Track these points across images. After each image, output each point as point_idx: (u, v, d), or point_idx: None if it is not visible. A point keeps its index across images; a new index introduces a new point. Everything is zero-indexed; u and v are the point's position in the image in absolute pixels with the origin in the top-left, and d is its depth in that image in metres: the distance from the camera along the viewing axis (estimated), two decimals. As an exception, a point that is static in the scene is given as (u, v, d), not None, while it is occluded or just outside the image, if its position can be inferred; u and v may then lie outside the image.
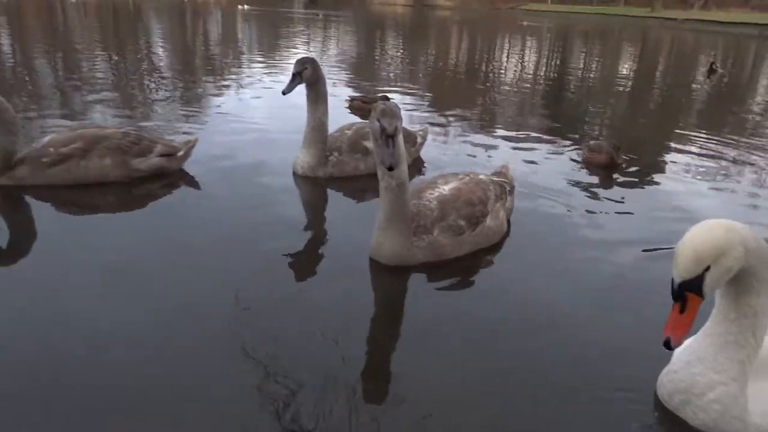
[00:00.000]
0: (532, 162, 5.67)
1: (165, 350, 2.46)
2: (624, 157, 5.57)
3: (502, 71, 14.40)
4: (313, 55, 14.25)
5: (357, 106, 7.48)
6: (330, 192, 4.55)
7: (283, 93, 4.50)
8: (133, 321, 2.64)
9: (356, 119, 6.30)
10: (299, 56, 4.60)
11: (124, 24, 22.22)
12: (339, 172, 4.71)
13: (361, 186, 4.62)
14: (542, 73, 14.35)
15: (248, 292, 2.90)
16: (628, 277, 3.42)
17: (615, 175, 5.32)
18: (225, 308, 2.75)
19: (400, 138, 3.05)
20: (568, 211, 4.41)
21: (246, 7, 33.13)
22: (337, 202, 4.43)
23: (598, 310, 3.04)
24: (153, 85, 8.96)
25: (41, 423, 2.04)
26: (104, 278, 3.01)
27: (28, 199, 4.04)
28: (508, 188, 4.00)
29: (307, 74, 4.45)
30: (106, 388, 2.21)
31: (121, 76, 9.60)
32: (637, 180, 5.30)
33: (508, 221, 3.94)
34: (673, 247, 1.97)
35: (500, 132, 7.04)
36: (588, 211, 4.43)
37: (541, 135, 6.95)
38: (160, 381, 2.27)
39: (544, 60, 18.06)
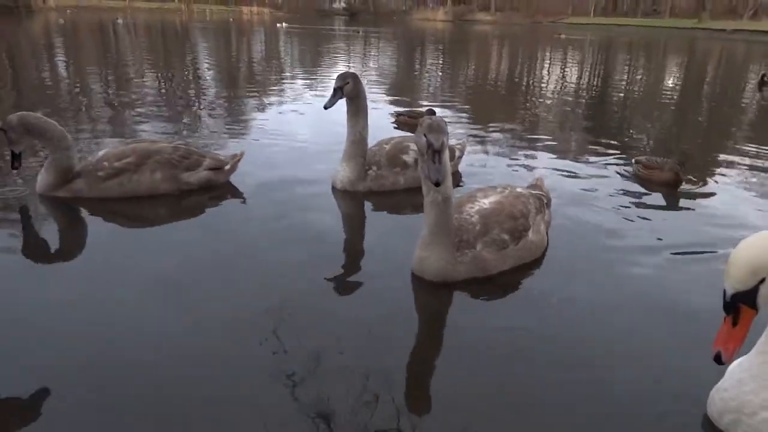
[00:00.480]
0: (574, 174, 5.58)
1: (206, 357, 2.51)
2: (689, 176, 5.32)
3: (543, 84, 14.27)
4: (353, 70, 14.47)
5: (403, 121, 7.51)
6: (369, 206, 4.56)
7: (325, 108, 4.53)
8: (177, 328, 2.72)
9: (396, 133, 6.35)
10: (340, 71, 4.65)
11: (171, 43, 23.00)
12: (378, 187, 4.73)
13: (400, 201, 4.64)
14: (584, 86, 14.15)
15: (289, 305, 2.93)
16: (675, 289, 3.33)
17: (659, 187, 5.18)
18: (266, 320, 2.79)
19: (446, 153, 3.04)
20: (611, 223, 4.31)
21: (285, 25, 33.79)
22: (376, 217, 4.44)
23: (644, 323, 2.98)
24: (199, 101, 9.24)
25: (87, 421, 2.11)
26: (153, 286, 3.11)
27: (84, 210, 4.20)
28: (545, 201, 3.98)
29: (348, 89, 4.49)
30: (145, 388, 2.29)
31: (169, 93, 9.94)
32: (685, 192, 5.15)
33: (547, 234, 3.89)
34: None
35: (540, 144, 6.96)
36: (633, 224, 4.33)
37: (583, 147, 6.86)
38: (199, 386, 2.32)
39: (587, 73, 17.79)
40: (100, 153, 4.54)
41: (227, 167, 4.74)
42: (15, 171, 4.36)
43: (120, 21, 33.90)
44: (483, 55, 24.24)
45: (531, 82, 15.01)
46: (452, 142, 5.57)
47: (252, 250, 3.62)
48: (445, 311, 3.12)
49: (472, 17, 74.20)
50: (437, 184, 2.93)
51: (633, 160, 5.67)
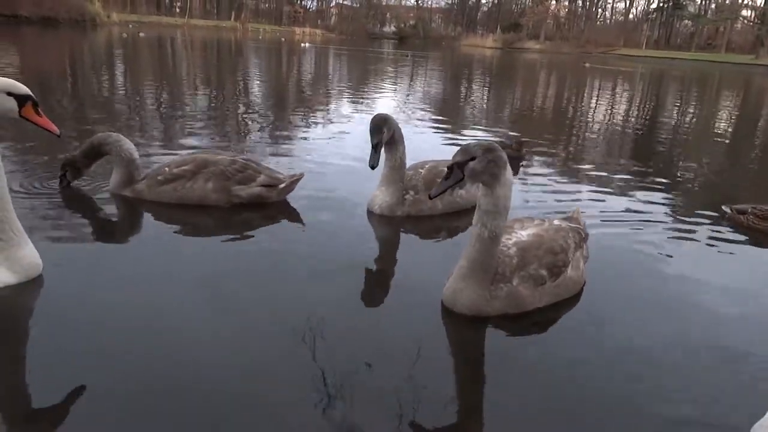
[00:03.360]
0: (615, 208, 5.40)
1: (240, 364, 2.56)
2: None
3: (590, 114, 14.03)
4: (399, 93, 14.59)
5: (512, 155, 7.18)
6: (406, 231, 4.50)
7: (372, 167, 4.29)
8: (214, 333, 2.80)
9: (430, 157, 6.27)
10: (378, 112, 4.52)
11: (225, 59, 23.71)
12: (416, 212, 4.67)
13: (437, 225, 4.59)
14: (632, 118, 13.85)
15: (322, 325, 2.90)
16: (724, 326, 3.24)
17: (717, 224, 4.97)
18: (298, 337, 2.78)
19: (501, 188, 2.94)
20: (657, 261, 4.14)
21: (307, 44, 34.02)
22: (412, 242, 4.38)
23: (686, 359, 2.91)
24: (248, 117, 9.44)
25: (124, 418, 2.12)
26: (193, 290, 3.20)
27: (142, 211, 4.45)
28: (583, 235, 3.78)
29: (386, 138, 4.34)
30: (181, 388, 2.35)
31: (220, 108, 10.18)
32: (740, 232, 4.92)
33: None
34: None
35: (583, 174, 6.81)
36: (682, 263, 4.14)
37: (628, 180, 6.66)
38: (230, 393, 2.35)
39: (636, 104, 17.45)
40: (169, 159, 4.81)
41: (281, 186, 4.73)
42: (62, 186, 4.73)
43: (142, 34, 35.02)
44: (530, 82, 24.11)
45: (577, 111, 14.79)
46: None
47: (290, 269, 3.61)
48: (478, 344, 3.03)
49: (521, 45, 74.07)
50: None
51: (726, 208, 5.19)
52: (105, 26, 45.71)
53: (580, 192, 6.00)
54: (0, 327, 2.86)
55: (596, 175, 6.86)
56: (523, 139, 7.57)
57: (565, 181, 6.50)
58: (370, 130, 4.28)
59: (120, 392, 2.33)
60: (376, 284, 3.64)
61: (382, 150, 4.38)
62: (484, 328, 3.08)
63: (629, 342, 3.03)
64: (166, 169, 4.62)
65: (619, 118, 13.67)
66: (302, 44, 34.01)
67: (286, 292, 3.31)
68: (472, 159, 2.88)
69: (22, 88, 2.96)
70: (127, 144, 4.61)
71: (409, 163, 4.75)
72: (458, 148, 3.00)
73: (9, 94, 2.91)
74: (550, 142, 8.90)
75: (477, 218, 3.02)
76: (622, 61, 50.29)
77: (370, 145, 4.28)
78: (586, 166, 7.39)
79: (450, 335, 3.08)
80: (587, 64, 39.16)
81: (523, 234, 3.41)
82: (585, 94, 20.14)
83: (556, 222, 3.65)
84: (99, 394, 2.31)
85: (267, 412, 2.29)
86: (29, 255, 3.12)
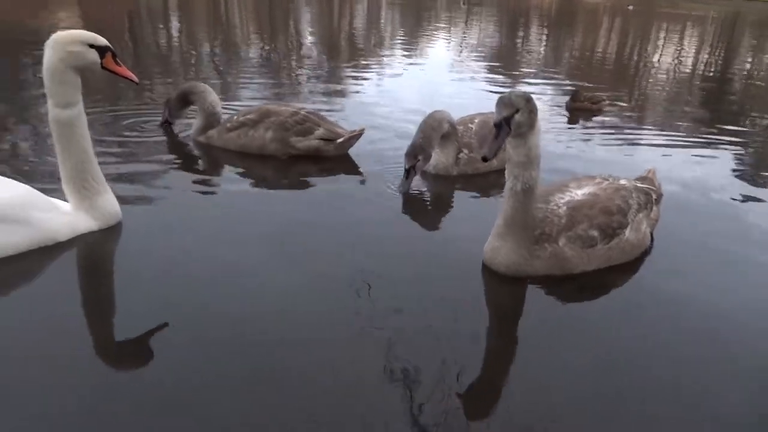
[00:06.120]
0: (685, 166, 5.23)
1: (295, 312, 2.70)
2: None
3: (655, 62, 13.35)
4: (453, 43, 14.25)
5: (584, 108, 7.05)
6: (459, 188, 4.49)
7: (402, 193, 4.18)
8: (275, 282, 2.95)
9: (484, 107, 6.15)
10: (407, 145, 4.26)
11: (277, 9, 23.62)
12: (472, 170, 4.63)
13: (491, 182, 4.54)
14: (701, 66, 13.12)
15: (372, 277, 3.00)
16: None
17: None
18: (348, 286, 2.91)
19: (534, 136, 2.87)
20: (730, 224, 3.97)
21: None
22: (464, 200, 4.36)
23: (754, 337, 2.75)
24: (302, 71, 9.49)
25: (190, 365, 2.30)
26: (256, 240, 3.36)
27: (213, 158, 4.81)
28: (654, 196, 3.56)
29: (421, 165, 4.24)
30: (234, 337, 2.44)
31: (273, 61, 10.26)
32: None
33: (651, 234, 3.57)
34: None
35: (648, 130, 6.59)
36: (753, 226, 3.97)
37: (696, 136, 6.40)
38: (288, 337, 2.46)
39: (705, 52, 16.46)
40: (243, 109, 5.19)
41: (339, 140, 4.78)
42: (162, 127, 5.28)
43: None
44: (591, 29, 23.00)
45: (642, 59, 14.10)
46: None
47: (341, 222, 3.70)
48: (518, 306, 3.00)
49: (582, -11, 70.12)
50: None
51: None
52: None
53: (647, 148, 5.81)
54: (84, 268, 3.14)
55: (664, 130, 6.63)
56: (599, 94, 7.34)
57: (631, 136, 6.28)
58: (405, 157, 4.16)
59: (185, 333, 2.50)
60: (425, 240, 3.68)
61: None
62: (524, 289, 3.03)
63: (689, 317, 2.85)
64: (235, 117, 4.90)
65: (687, 67, 12.97)
66: None
67: (337, 244, 3.39)
68: (517, 111, 2.79)
69: (102, 40, 3.09)
70: (212, 96, 4.92)
71: (456, 116, 4.68)
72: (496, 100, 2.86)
73: (91, 46, 3.05)
74: (613, 93, 8.58)
75: (508, 172, 2.95)
76: (694, 3, 47.08)
77: (413, 137, 4.24)
78: (653, 120, 7.16)
79: (488, 294, 3.07)
80: (630, 7, 37.02)
81: (578, 193, 3.28)
82: (650, 41, 19.10)
83: (622, 181, 3.45)
84: (166, 334, 2.49)
85: (320, 357, 2.40)
86: (110, 203, 3.34)
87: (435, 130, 4.28)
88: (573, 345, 2.60)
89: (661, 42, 19.14)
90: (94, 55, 3.06)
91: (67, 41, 3.00)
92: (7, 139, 4.84)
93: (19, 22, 13.43)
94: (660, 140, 6.11)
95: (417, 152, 4.16)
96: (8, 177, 3.21)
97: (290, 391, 2.21)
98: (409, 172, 4.18)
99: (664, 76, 11.50)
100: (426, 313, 2.75)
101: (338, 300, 2.80)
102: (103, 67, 3.11)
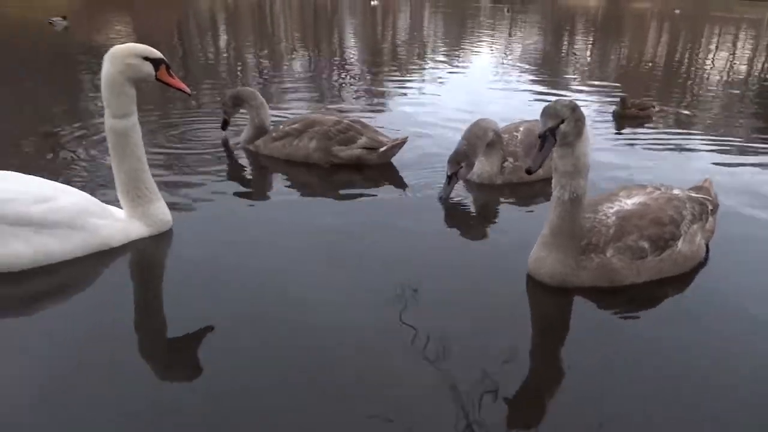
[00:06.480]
0: (742, 175, 5.02)
1: (343, 320, 2.69)
2: None
3: (706, 68, 12.94)
4: (497, 50, 14.16)
5: (632, 115, 6.90)
6: (503, 198, 4.43)
7: (442, 200, 4.19)
8: (318, 287, 2.99)
9: (527, 115, 6.05)
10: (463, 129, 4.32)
11: (322, 20, 23.98)
12: (517, 179, 4.56)
13: (535, 191, 4.47)
14: (756, 72, 12.62)
15: (416, 285, 3.00)
16: None
17: None
18: (393, 295, 2.91)
19: (582, 145, 2.81)
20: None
21: (375, 2, 32.79)
22: (509, 209, 4.29)
23: None
24: (343, 79, 9.59)
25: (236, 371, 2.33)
26: (306, 246, 3.42)
27: (260, 166, 4.96)
28: (710, 207, 3.43)
29: (464, 173, 4.23)
30: (291, 338, 2.47)
31: (317, 70, 10.41)
32: None
33: (707, 246, 3.43)
34: None
35: (701, 137, 6.36)
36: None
37: (752, 144, 6.15)
38: (335, 344, 2.47)
39: (762, 57, 15.84)
40: (289, 118, 5.40)
41: (381, 149, 4.80)
42: (224, 131, 5.48)
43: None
44: (638, 34, 22.48)
45: (692, 64, 13.67)
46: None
47: (384, 231, 3.70)
48: (564, 317, 2.93)
49: (629, -6, 68.63)
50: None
51: None
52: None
53: (700, 156, 5.61)
54: (135, 273, 3.24)
55: (718, 137, 6.38)
56: (648, 101, 7.18)
57: (683, 143, 6.07)
58: (448, 162, 4.15)
59: (233, 340, 2.54)
60: (470, 250, 3.64)
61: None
62: (570, 300, 2.97)
63: (746, 333, 2.69)
64: (282, 126, 5.02)
65: (740, 72, 12.50)
66: (372, 2, 33.21)
67: (381, 254, 3.39)
68: (562, 121, 2.74)
69: (157, 53, 3.21)
70: (264, 111, 5.09)
71: (501, 123, 4.64)
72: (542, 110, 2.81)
73: (146, 58, 3.16)
74: (662, 99, 8.35)
75: (555, 181, 2.90)
76: (748, 6, 45.43)
77: (459, 138, 4.24)
78: (706, 127, 6.91)
79: (533, 305, 3.00)
80: (677, 11, 35.98)
81: (628, 202, 3.19)
82: (701, 46, 18.52)
83: (675, 191, 3.34)
84: (213, 340, 2.54)
85: (367, 363, 2.41)
86: (161, 211, 3.45)
87: (480, 138, 4.25)
88: (621, 359, 2.53)
89: (712, 46, 18.53)
90: (149, 67, 3.17)
91: (124, 54, 3.12)
92: (66, 149, 5.05)
93: (78, 37, 14.06)
94: (714, 148, 5.89)
95: (460, 159, 4.13)
96: (68, 184, 3.35)
97: (343, 400, 2.22)
98: (451, 179, 4.17)
99: (717, 81, 11.11)
100: (470, 323, 2.72)
101: (383, 310, 2.79)
102: (157, 79, 3.22)
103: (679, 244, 3.13)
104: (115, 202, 3.45)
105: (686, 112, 7.95)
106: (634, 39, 20.95)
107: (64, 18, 15.35)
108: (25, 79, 8.44)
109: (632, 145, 6.00)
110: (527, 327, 2.84)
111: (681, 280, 3.17)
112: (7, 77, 8.61)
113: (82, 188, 3.44)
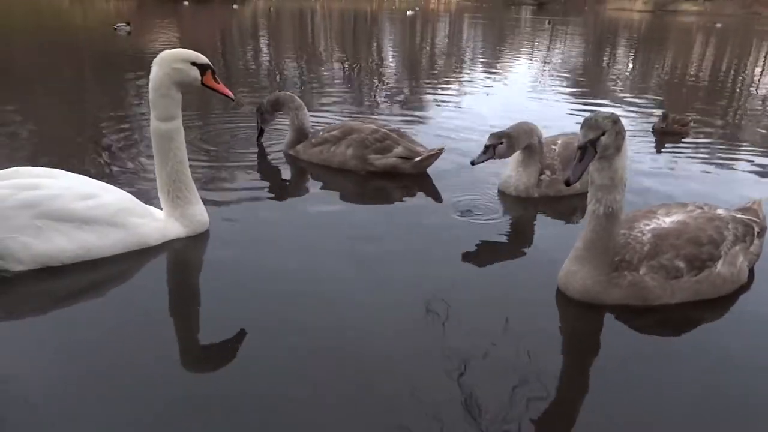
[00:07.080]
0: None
1: (375, 330, 2.69)
2: None
3: (753, 83, 12.56)
4: (536, 62, 14.06)
5: (674, 131, 6.74)
6: (540, 211, 4.37)
7: (473, 164, 4.27)
8: (357, 296, 2.99)
9: (566, 128, 5.98)
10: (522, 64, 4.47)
11: (361, 29, 24.21)
12: (554, 192, 4.52)
13: (573, 205, 4.38)
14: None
15: (448, 298, 2.96)
16: None
17: None
18: (425, 307, 2.88)
19: (620, 159, 2.77)
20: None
21: (410, 12, 32.88)
22: (545, 223, 4.25)
23: None
24: (383, 88, 9.66)
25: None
26: (332, 253, 3.44)
27: (300, 170, 5.02)
28: (756, 229, 3.29)
29: (501, 150, 4.22)
30: (322, 347, 2.48)
31: (356, 79, 10.51)
32: None
33: (752, 270, 3.28)
34: None
35: (746, 155, 6.17)
36: None
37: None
38: (368, 354, 2.46)
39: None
40: (330, 125, 5.38)
41: (417, 159, 4.81)
42: (259, 140, 5.52)
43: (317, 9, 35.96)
44: (682, 48, 21.99)
45: (737, 79, 13.29)
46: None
47: (417, 241, 3.70)
48: (587, 333, 2.87)
49: (674, 7, 67.29)
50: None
51: None
52: (251, 1, 48.42)
53: (745, 175, 5.44)
54: (170, 272, 3.32)
55: (764, 155, 6.18)
56: (689, 117, 7.02)
57: (727, 161, 5.90)
58: (490, 135, 4.23)
59: (266, 342, 2.56)
60: (502, 262, 3.59)
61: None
62: (600, 317, 2.90)
63: None
64: (321, 132, 5.09)
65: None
66: (408, 12, 33.27)
67: (413, 263, 3.37)
68: (603, 134, 2.70)
69: (203, 59, 3.30)
70: (303, 113, 5.15)
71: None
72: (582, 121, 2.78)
73: (193, 64, 3.26)
74: (706, 116, 8.14)
75: (591, 195, 2.85)
76: (799, 22, 43.99)
77: (491, 136, 4.23)
78: (752, 144, 6.68)
79: (562, 321, 2.93)
80: (718, 24, 35.07)
81: (666, 220, 3.10)
82: (747, 61, 17.99)
83: (719, 211, 3.23)
84: (247, 341, 2.57)
85: (392, 370, 2.41)
86: (199, 212, 3.53)
87: (526, 133, 4.30)
88: (651, 381, 2.45)
89: (759, 61, 17.98)
90: (195, 72, 3.26)
91: (172, 59, 3.22)
92: (111, 150, 5.21)
93: (138, 42, 14.53)
94: (762, 166, 5.71)
95: (503, 137, 4.19)
96: (110, 183, 3.46)
97: (373, 407, 2.24)
98: (487, 149, 4.21)
99: (764, 97, 10.78)
100: (498, 336, 2.69)
101: (412, 321, 2.79)
102: (203, 84, 3.30)
103: (719, 265, 3.02)
104: (156, 202, 3.54)
105: (730, 129, 7.74)
106: (677, 52, 20.49)
107: (128, 24, 16.25)
108: (80, 81, 8.75)
109: (674, 161, 5.86)
110: (556, 342, 2.79)
111: (719, 303, 3.05)
112: (62, 82, 8.95)
113: (125, 188, 3.54)
